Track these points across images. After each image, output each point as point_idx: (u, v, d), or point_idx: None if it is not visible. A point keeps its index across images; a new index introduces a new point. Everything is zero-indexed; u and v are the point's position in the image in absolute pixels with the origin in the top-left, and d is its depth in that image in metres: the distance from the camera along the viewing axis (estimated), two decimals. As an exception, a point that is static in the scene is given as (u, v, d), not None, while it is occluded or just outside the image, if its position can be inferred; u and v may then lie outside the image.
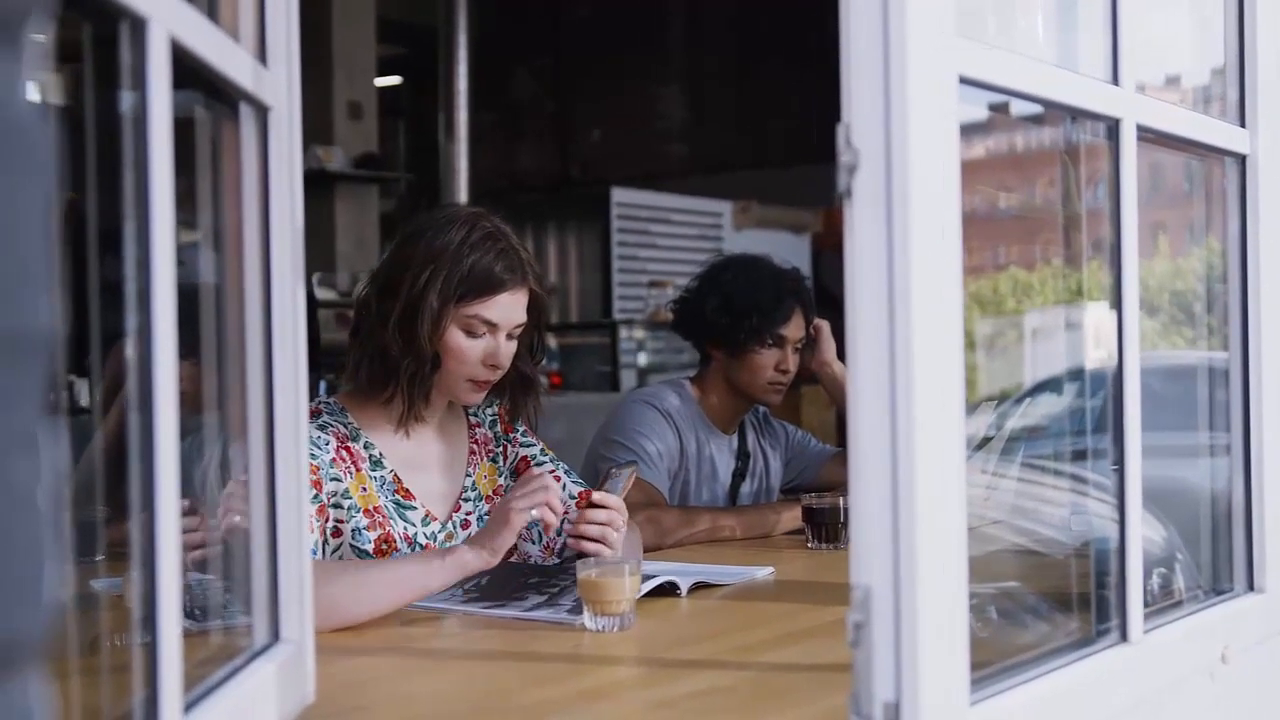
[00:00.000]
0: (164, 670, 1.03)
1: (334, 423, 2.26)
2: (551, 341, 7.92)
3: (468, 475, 2.40)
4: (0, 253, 0.55)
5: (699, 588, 2.24)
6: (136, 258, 1.02)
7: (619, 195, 8.26)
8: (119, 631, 1.46)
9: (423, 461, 2.34)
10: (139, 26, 1.01)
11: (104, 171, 1.04)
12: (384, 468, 2.28)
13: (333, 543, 2.18)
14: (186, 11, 1.11)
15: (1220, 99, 1.92)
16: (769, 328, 3.04)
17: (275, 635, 1.39)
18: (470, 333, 2.25)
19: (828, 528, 2.71)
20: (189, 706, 1.11)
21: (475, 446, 2.43)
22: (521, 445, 2.49)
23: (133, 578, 1.40)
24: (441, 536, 2.31)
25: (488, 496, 2.41)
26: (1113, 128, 1.57)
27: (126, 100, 1.03)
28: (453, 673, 1.78)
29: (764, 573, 2.41)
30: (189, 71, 1.13)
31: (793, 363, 3.08)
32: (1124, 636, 1.56)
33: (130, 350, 1.03)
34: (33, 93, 0.62)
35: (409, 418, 2.30)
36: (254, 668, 1.31)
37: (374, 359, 2.25)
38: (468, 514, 2.37)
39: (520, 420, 2.46)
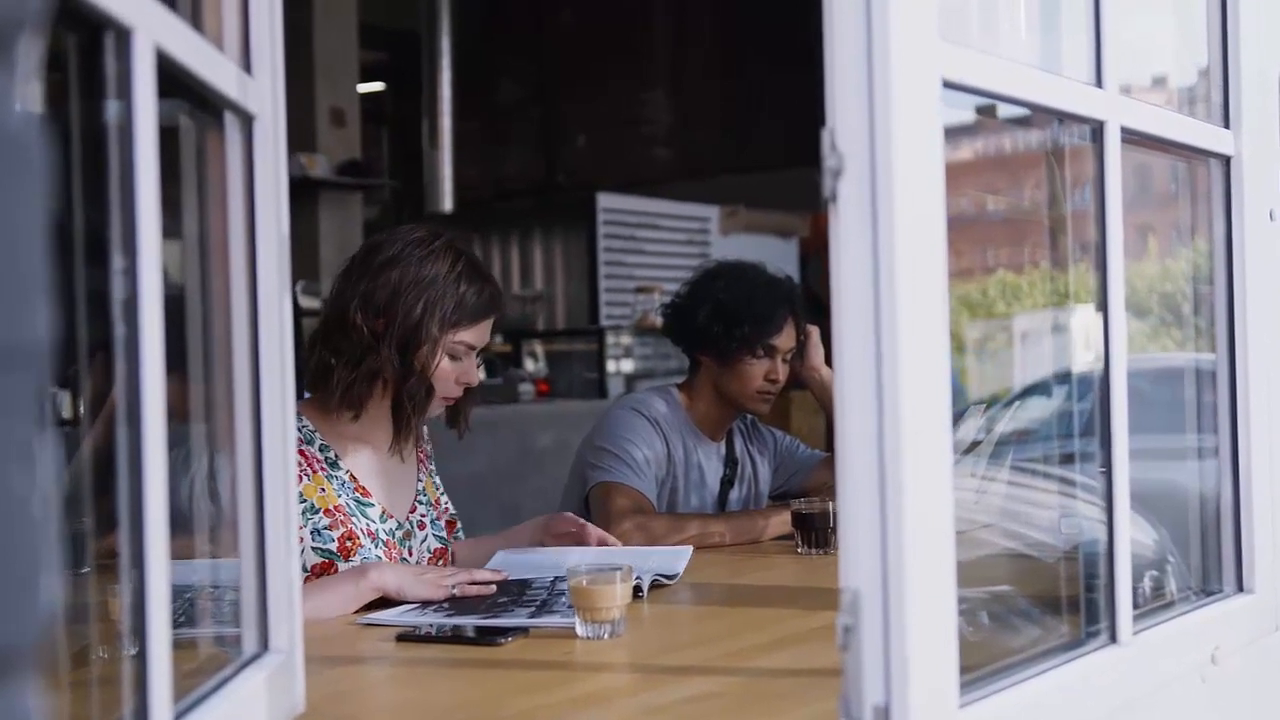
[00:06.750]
0: (154, 680, 1.02)
1: None
2: (538, 349, 7.92)
3: (419, 481, 2.51)
4: (-2, 263, 0.56)
5: (656, 587, 2.27)
6: (123, 267, 1.01)
7: (605, 201, 8.24)
8: (103, 643, 1.46)
9: (378, 467, 2.43)
10: (124, 36, 1.01)
11: (88, 181, 1.03)
12: (341, 469, 2.35)
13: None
14: (171, 21, 1.10)
15: (1204, 100, 1.93)
16: (761, 338, 3.03)
17: (264, 645, 1.39)
18: (453, 357, 2.36)
19: (817, 533, 2.70)
20: (178, 716, 1.10)
21: (422, 457, 2.55)
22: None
23: (117, 589, 1.39)
24: (400, 534, 2.41)
25: (434, 502, 2.53)
26: (1097, 130, 1.58)
27: (111, 109, 1.02)
28: (443, 682, 1.78)
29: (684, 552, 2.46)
30: (172, 80, 1.12)
31: (782, 372, 3.07)
32: (1113, 638, 1.56)
33: (117, 361, 1.02)
34: (26, 103, 0.62)
35: (404, 439, 2.40)
36: (244, 677, 1.31)
37: (364, 380, 2.31)
38: (422, 516, 2.49)
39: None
